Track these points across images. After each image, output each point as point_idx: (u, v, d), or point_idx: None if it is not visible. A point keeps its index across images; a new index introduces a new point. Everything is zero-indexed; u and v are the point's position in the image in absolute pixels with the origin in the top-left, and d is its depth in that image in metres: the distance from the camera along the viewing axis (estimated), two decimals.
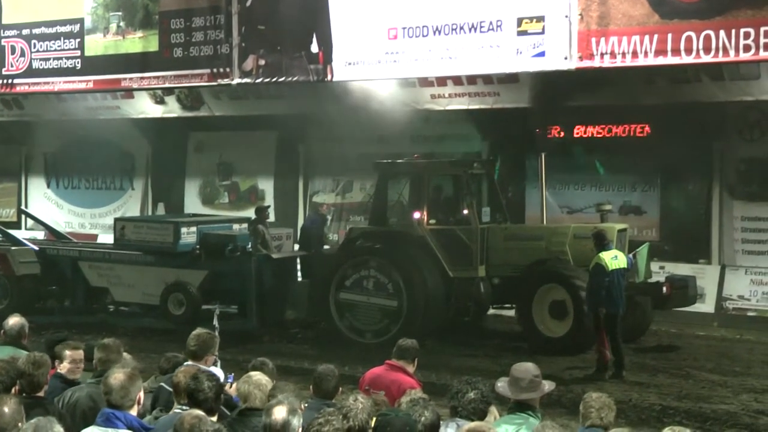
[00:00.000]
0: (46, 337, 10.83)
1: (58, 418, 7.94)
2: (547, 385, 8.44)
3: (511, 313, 20.26)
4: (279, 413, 6.99)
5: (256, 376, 8.24)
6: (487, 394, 7.92)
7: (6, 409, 6.65)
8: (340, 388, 9.11)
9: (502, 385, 8.37)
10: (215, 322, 18.31)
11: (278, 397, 7.45)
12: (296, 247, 22.95)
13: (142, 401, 7.81)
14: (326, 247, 24.32)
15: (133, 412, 7.62)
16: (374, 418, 7.20)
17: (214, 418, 7.67)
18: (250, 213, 25.82)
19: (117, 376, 7.68)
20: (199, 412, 7.34)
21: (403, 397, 8.24)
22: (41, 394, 8.47)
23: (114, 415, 7.50)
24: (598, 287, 17.08)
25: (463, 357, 18.69)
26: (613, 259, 17.09)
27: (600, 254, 17.12)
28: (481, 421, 7.77)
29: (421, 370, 11.23)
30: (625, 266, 17.44)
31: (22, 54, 25.65)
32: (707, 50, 17.18)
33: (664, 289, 18.94)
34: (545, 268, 19.01)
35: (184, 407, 7.85)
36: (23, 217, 31.37)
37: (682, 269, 21.91)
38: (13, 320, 10.78)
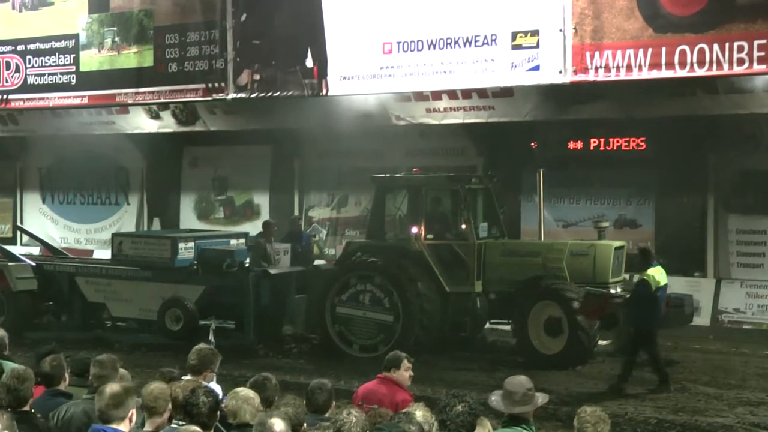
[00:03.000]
0: (36, 351, 10.83)
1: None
2: (541, 398, 8.42)
3: (507, 326, 20.24)
4: (278, 426, 7.03)
5: (243, 391, 8.22)
6: (475, 407, 7.87)
7: None
8: (334, 402, 9.10)
9: (495, 398, 8.34)
10: (210, 337, 18.34)
11: (269, 411, 7.47)
12: None
13: (134, 420, 7.76)
14: (322, 262, 24.32)
15: (125, 428, 7.59)
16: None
17: None
18: (246, 228, 25.88)
19: (113, 387, 7.68)
20: (195, 428, 7.33)
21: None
22: (27, 408, 8.46)
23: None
24: (642, 303, 17.07)
25: (459, 371, 18.66)
26: (660, 275, 17.10)
27: (647, 271, 17.09)
28: None
29: (416, 383, 11.24)
30: (667, 282, 17.40)
31: (17, 70, 25.70)
32: (701, 64, 17.25)
33: None
34: (541, 285, 18.99)
35: (180, 423, 7.83)
36: (19, 232, 31.35)
37: (678, 282, 21.89)
38: None
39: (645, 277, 17.07)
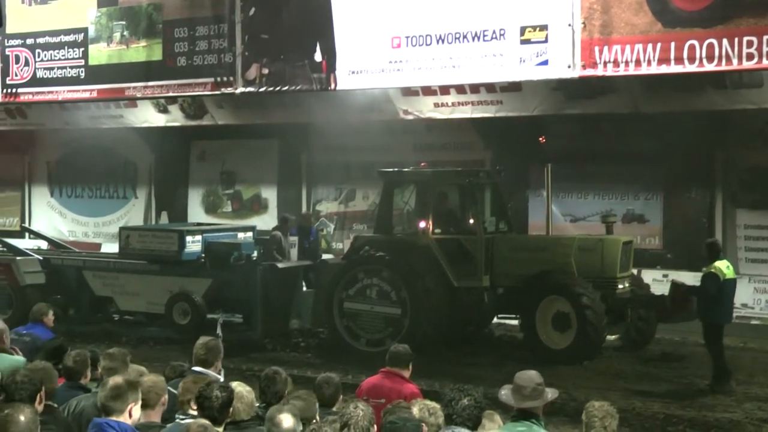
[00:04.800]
0: (43, 347, 10.85)
1: (66, 427, 7.95)
2: (550, 393, 8.42)
3: (515, 321, 20.24)
4: (286, 422, 7.06)
5: (237, 388, 8.23)
6: (481, 401, 7.92)
7: (22, 418, 6.62)
8: (341, 396, 9.11)
9: (505, 392, 8.35)
10: (218, 331, 18.34)
11: (276, 405, 7.49)
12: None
13: (134, 415, 7.76)
14: (330, 256, 24.31)
15: (125, 420, 7.59)
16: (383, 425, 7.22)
17: (220, 429, 7.66)
18: (254, 221, 25.93)
19: (114, 379, 7.75)
20: (205, 422, 7.33)
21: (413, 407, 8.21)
22: (49, 402, 8.50)
23: (107, 425, 7.49)
24: (710, 297, 16.90)
25: (466, 365, 18.67)
26: (727, 269, 16.97)
27: (715, 264, 16.89)
28: (476, 427, 7.79)
29: (424, 378, 11.24)
30: (735, 277, 17.33)
31: (27, 63, 25.70)
32: (710, 59, 17.19)
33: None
34: (549, 280, 18.95)
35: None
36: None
37: (685, 277, 21.80)
38: None
39: (713, 270, 16.83)
